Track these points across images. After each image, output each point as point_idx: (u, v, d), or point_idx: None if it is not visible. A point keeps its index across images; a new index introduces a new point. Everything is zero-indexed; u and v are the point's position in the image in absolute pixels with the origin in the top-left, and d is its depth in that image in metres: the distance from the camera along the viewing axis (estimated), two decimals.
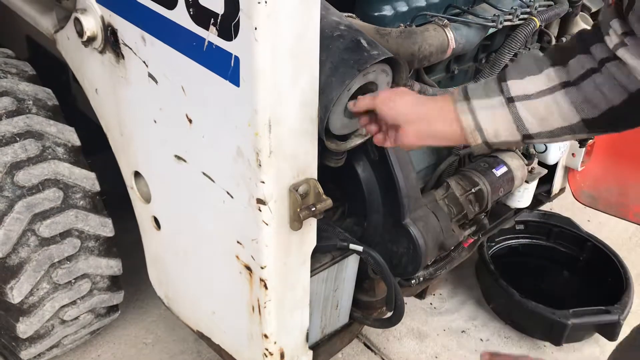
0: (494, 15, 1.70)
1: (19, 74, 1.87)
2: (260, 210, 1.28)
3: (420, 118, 1.19)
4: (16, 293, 1.72)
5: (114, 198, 1.87)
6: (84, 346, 2.24)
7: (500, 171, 1.90)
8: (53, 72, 2.04)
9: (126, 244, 1.99)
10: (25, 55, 2.33)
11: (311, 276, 1.50)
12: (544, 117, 1.10)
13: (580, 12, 2.08)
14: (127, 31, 1.39)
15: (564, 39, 2.05)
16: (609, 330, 2.35)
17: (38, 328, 1.84)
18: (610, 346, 2.46)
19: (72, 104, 2.18)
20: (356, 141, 1.45)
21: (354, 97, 1.35)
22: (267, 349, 1.51)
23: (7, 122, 1.70)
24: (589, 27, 2.11)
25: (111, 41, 1.46)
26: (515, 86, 1.11)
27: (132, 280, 2.31)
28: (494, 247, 2.74)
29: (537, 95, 1.09)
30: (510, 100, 1.11)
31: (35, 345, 1.89)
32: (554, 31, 2.08)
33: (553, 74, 1.08)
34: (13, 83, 1.80)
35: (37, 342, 1.89)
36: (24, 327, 1.80)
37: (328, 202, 1.31)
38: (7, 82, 1.79)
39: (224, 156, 1.29)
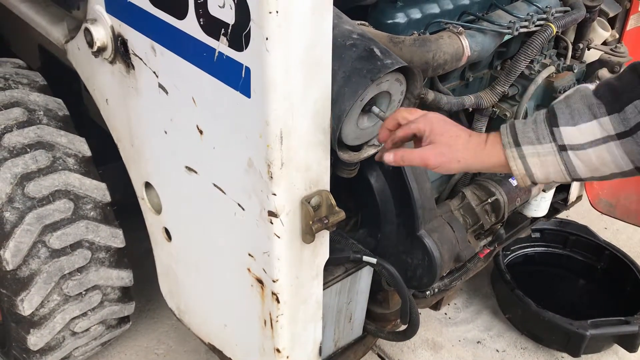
0: (510, 22, 1.66)
1: (29, 84, 1.86)
2: (272, 223, 1.25)
3: (475, 162, 1.19)
4: (27, 305, 1.71)
5: (125, 207, 1.86)
6: (95, 357, 2.23)
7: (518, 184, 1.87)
8: (65, 81, 2.04)
9: (138, 253, 1.98)
10: (38, 64, 2.33)
11: (324, 289, 1.48)
12: (596, 166, 1.08)
13: (598, 18, 2.04)
14: (137, 41, 1.38)
15: (580, 45, 2.01)
16: (629, 342, 2.30)
17: (49, 340, 1.83)
18: (630, 358, 2.41)
19: (84, 114, 2.17)
20: (369, 151, 1.43)
21: (366, 106, 1.32)
22: None
23: (17, 133, 1.70)
24: (608, 32, 2.08)
25: (121, 51, 1.45)
26: (567, 133, 1.08)
27: (144, 290, 2.30)
28: (510, 256, 2.70)
29: (590, 144, 1.06)
30: (562, 148, 1.09)
31: (46, 357, 1.88)
32: (570, 37, 2.04)
33: (608, 123, 1.04)
34: (24, 93, 1.80)
35: (48, 354, 1.88)
36: (35, 339, 1.79)
37: (341, 215, 1.28)
38: (18, 93, 1.79)
39: (235, 168, 1.27)
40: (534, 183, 1.16)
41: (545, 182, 1.16)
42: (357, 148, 1.42)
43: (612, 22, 2.17)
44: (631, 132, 1.02)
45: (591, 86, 1.10)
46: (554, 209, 2.36)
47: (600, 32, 2.08)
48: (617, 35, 2.20)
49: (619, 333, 2.29)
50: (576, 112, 1.08)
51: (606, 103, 1.05)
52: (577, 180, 1.13)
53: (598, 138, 1.05)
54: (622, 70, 1.10)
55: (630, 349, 2.32)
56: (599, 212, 2.62)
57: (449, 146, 1.18)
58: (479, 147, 1.18)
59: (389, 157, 1.24)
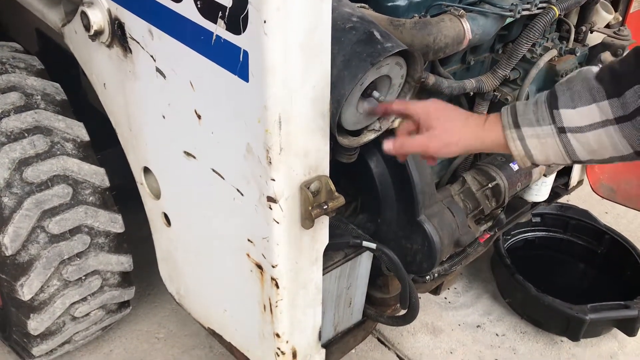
0: (512, 4, 1.64)
1: (27, 68, 1.85)
2: (271, 209, 1.25)
3: (479, 145, 1.19)
4: (26, 290, 1.71)
5: (124, 191, 1.85)
6: (95, 342, 2.24)
7: (517, 165, 1.86)
8: (63, 65, 2.02)
9: (138, 237, 1.97)
10: (35, 48, 2.31)
11: (324, 274, 1.47)
12: (595, 149, 1.08)
13: (601, 0, 2.02)
14: (135, 25, 1.36)
15: (583, 28, 1.99)
16: (628, 326, 2.31)
17: (49, 325, 1.83)
18: (629, 342, 2.42)
19: (83, 98, 2.16)
20: (369, 136, 1.42)
21: (366, 90, 1.31)
22: (279, 348, 1.49)
23: (15, 118, 1.69)
24: (611, 15, 2.06)
25: (118, 35, 1.43)
26: (567, 116, 1.08)
27: (144, 274, 2.30)
28: (510, 240, 2.70)
29: (589, 128, 1.06)
30: (561, 130, 1.09)
31: (47, 341, 1.89)
32: (573, 20, 2.02)
33: (607, 107, 1.04)
34: (21, 78, 1.78)
35: (49, 338, 1.89)
36: (35, 324, 1.79)
37: (340, 200, 1.27)
38: (15, 77, 1.77)
39: (233, 153, 1.26)
40: (535, 164, 1.16)
41: (546, 164, 1.16)
42: (357, 133, 1.41)
43: (615, 4, 2.15)
44: (630, 117, 1.02)
45: (594, 69, 1.09)
46: (555, 193, 2.35)
47: (604, 15, 2.05)
48: (620, 18, 2.17)
49: (618, 317, 2.29)
50: (576, 94, 1.07)
51: (606, 87, 1.05)
52: (577, 162, 1.13)
53: (597, 122, 1.05)
54: (626, 53, 1.08)
55: (630, 333, 2.32)
56: (600, 196, 2.62)
57: (446, 130, 1.19)
58: (478, 127, 1.18)
59: (388, 145, 1.25)
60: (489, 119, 1.18)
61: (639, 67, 1.02)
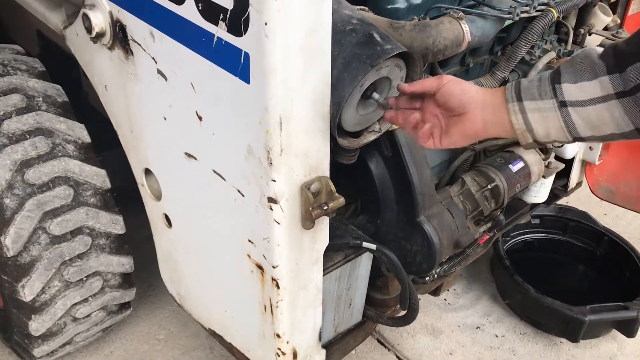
0: (511, 6, 1.65)
1: (28, 70, 1.86)
2: (272, 209, 1.25)
3: (485, 104, 1.17)
4: (28, 291, 1.72)
5: (125, 193, 1.86)
6: (96, 343, 2.25)
7: (516, 167, 1.86)
8: (64, 67, 2.03)
9: (139, 239, 1.98)
10: (36, 50, 2.32)
11: (324, 275, 1.48)
12: (596, 124, 1.08)
13: (599, 2, 2.03)
14: (136, 27, 1.37)
15: (581, 30, 2.00)
16: (627, 327, 2.31)
17: (50, 326, 1.84)
18: (628, 343, 2.43)
19: (84, 100, 2.17)
20: (369, 137, 1.42)
21: (366, 92, 1.32)
22: (279, 349, 1.49)
23: (17, 120, 1.70)
24: (609, 17, 2.07)
25: (120, 37, 1.44)
26: (569, 90, 1.09)
27: (145, 276, 2.31)
28: (509, 242, 2.71)
29: (589, 102, 1.07)
30: (562, 104, 1.09)
31: (48, 342, 1.89)
32: (571, 22, 2.03)
33: (608, 82, 1.05)
34: (23, 80, 1.79)
35: (50, 339, 1.89)
36: (36, 325, 1.80)
37: (340, 201, 1.28)
38: (17, 79, 1.78)
39: (234, 154, 1.27)
40: (536, 141, 1.15)
41: (547, 141, 1.15)
42: (357, 134, 1.41)
43: (613, 7, 2.16)
44: (631, 93, 1.02)
45: (598, 49, 1.10)
46: (554, 195, 2.36)
47: (602, 17, 2.06)
48: (619, 21, 2.19)
49: (617, 318, 2.30)
50: (579, 71, 1.08)
51: (608, 63, 1.06)
52: (578, 139, 1.13)
53: (598, 96, 1.06)
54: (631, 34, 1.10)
55: (629, 334, 2.33)
56: (599, 198, 2.62)
57: (454, 78, 1.20)
58: (483, 88, 1.20)
59: (403, 86, 1.24)
60: (494, 89, 1.20)
61: None
